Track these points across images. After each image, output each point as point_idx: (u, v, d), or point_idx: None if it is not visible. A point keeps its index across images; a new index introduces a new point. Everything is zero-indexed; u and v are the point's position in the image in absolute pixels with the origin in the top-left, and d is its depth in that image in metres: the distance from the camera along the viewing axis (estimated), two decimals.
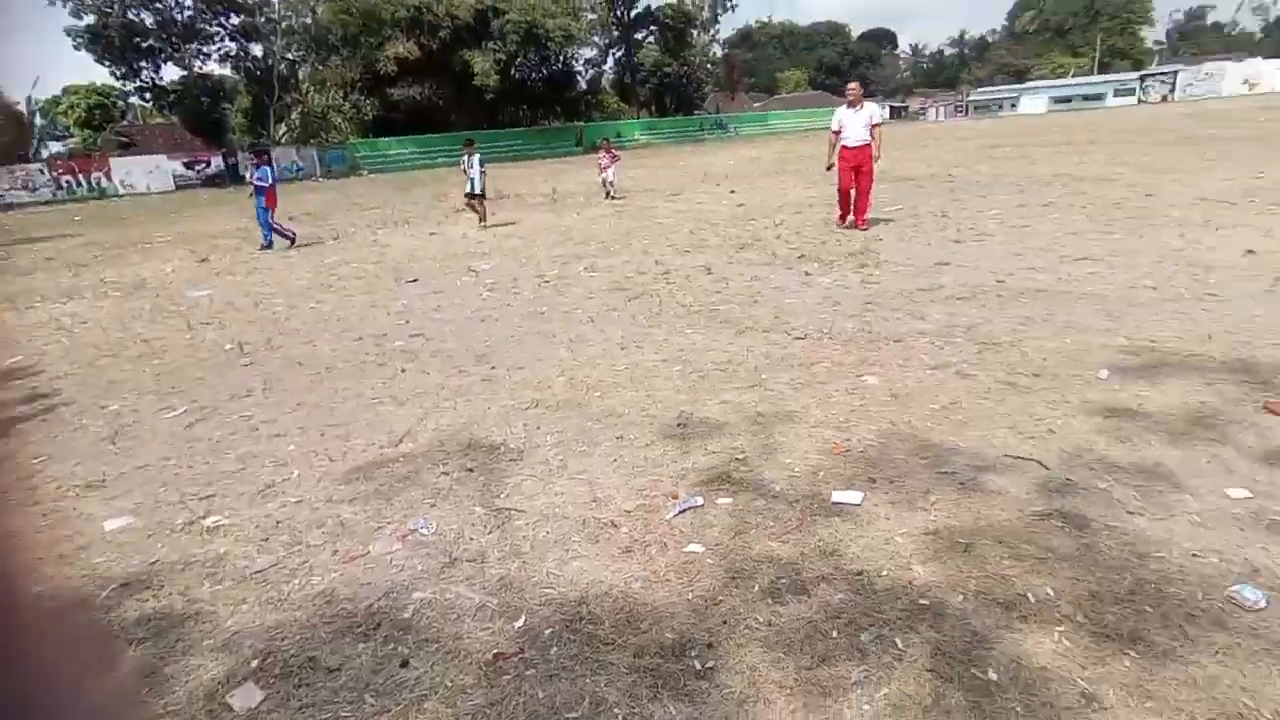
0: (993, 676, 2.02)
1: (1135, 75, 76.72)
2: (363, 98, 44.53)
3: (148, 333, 7.16)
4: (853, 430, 3.72)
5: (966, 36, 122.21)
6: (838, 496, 3.07)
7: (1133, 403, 3.80)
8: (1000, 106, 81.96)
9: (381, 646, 2.31)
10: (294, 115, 43.75)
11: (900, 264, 7.51)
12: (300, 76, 46.16)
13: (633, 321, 6.12)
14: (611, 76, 69.12)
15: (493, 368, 5.21)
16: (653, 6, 64.53)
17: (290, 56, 45.12)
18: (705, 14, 74.38)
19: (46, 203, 33.51)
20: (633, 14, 63.68)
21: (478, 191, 13.11)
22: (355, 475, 3.61)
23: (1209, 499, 2.88)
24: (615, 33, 63.80)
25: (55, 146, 47.20)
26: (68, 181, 35.08)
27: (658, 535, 2.88)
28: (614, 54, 66.41)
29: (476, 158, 12.96)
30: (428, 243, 12.09)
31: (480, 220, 13.28)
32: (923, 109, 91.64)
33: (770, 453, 3.54)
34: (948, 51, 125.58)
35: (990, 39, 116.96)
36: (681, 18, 66.07)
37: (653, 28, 65.18)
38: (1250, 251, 6.80)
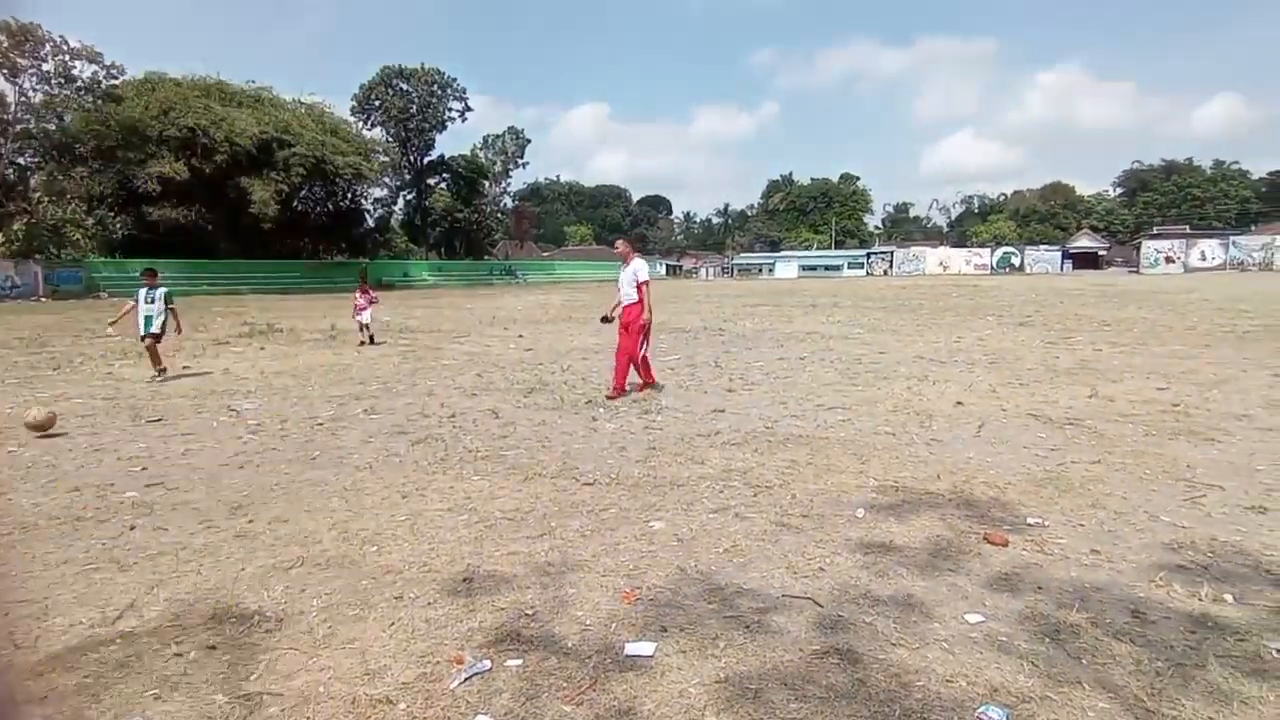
0: None
1: (863, 252, 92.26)
2: (111, 214, 40.25)
3: None
4: (643, 577, 3.71)
5: (730, 208, 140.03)
6: (630, 649, 2.99)
7: (886, 538, 4.21)
8: (760, 270, 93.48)
9: None
10: (17, 225, 38.18)
11: (681, 410, 7.95)
12: (31, 184, 40.91)
13: (416, 467, 5.79)
14: (401, 217, 69.45)
15: (250, 521, 4.59)
16: (446, 155, 66.96)
17: (21, 162, 40.06)
18: (498, 167, 78.56)
19: None
20: (426, 160, 65.50)
21: (154, 331, 10.63)
22: (51, 665, 2.89)
23: (953, 625, 3.19)
24: (407, 176, 64.89)
25: None
26: None
27: (440, 709, 2.58)
28: (405, 196, 67.22)
29: (160, 291, 10.84)
30: (180, 378, 10.77)
31: (155, 369, 10.58)
32: (695, 268, 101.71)
33: (562, 605, 3.40)
34: (715, 220, 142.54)
35: (750, 212, 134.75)
36: (474, 168, 69.12)
37: (445, 175, 67.34)
38: (959, 403, 8.09)
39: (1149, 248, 70.29)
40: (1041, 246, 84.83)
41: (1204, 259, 67.13)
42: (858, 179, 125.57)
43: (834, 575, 3.72)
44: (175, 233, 41.23)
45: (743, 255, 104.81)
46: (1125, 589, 3.52)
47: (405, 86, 62.19)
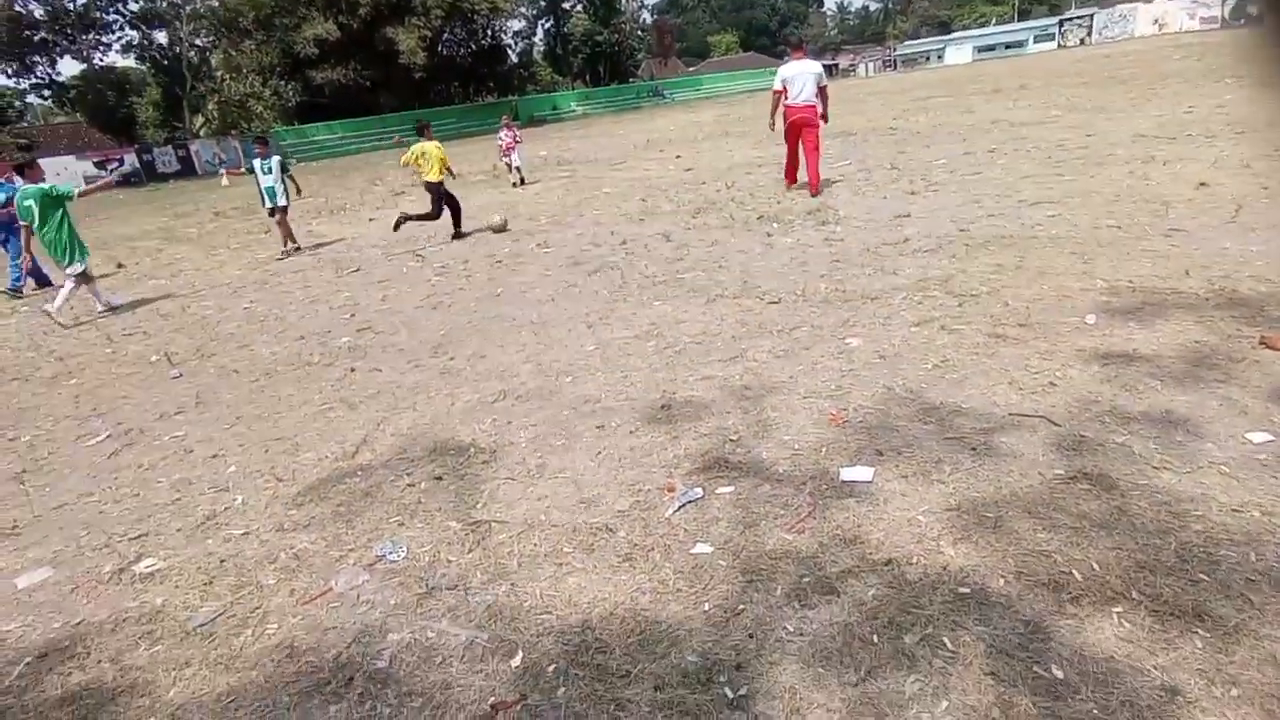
0: (1059, 674, 1.81)
1: (1054, 20, 78.14)
2: (283, 83, 42.42)
3: (62, 349, 6.53)
4: (848, 398, 3.49)
5: None
6: (847, 474, 2.83)
7: (1128, 347, 3.65)
8: (927, 59, 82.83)
9: (357, 707, 1.98)
10: (210, 106, 41.50)
11: (860, 219, 7.30)
12: (213, 64, 43.73)
13: (596, 297, 5.79)
14: (542, 48, 67.61)
15: (451, 358, 4.83)
16: None
17: (199, 43, 42.69)
18: None
19: None
20: None
21: (280, 204, 9.90)
22: (308, 496, 3.22)
23: (1231, 446, 2.72)
24: (543, 3, 62.22)
25: None
26: None
27: (659, 537, 2.60)
28: (543, 25, 64.95)
29: (275, 159, 10.00)
30: (367, 229, 11.47)
31: (286, 244, 10.07)
32: (853, 65, 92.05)
33: (765, 430, 3.28)
34: (873, 7, 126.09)
35: None
36: None
37: None
38: (1203, 184, 6.77)
39: None
40: None
41: None
42: None
43: (1068, 390, 3.28)
44: (340, 94, 42.91)
45: (906, 43, 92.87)
46: None
47: None
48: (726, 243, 7.05)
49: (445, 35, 46.10)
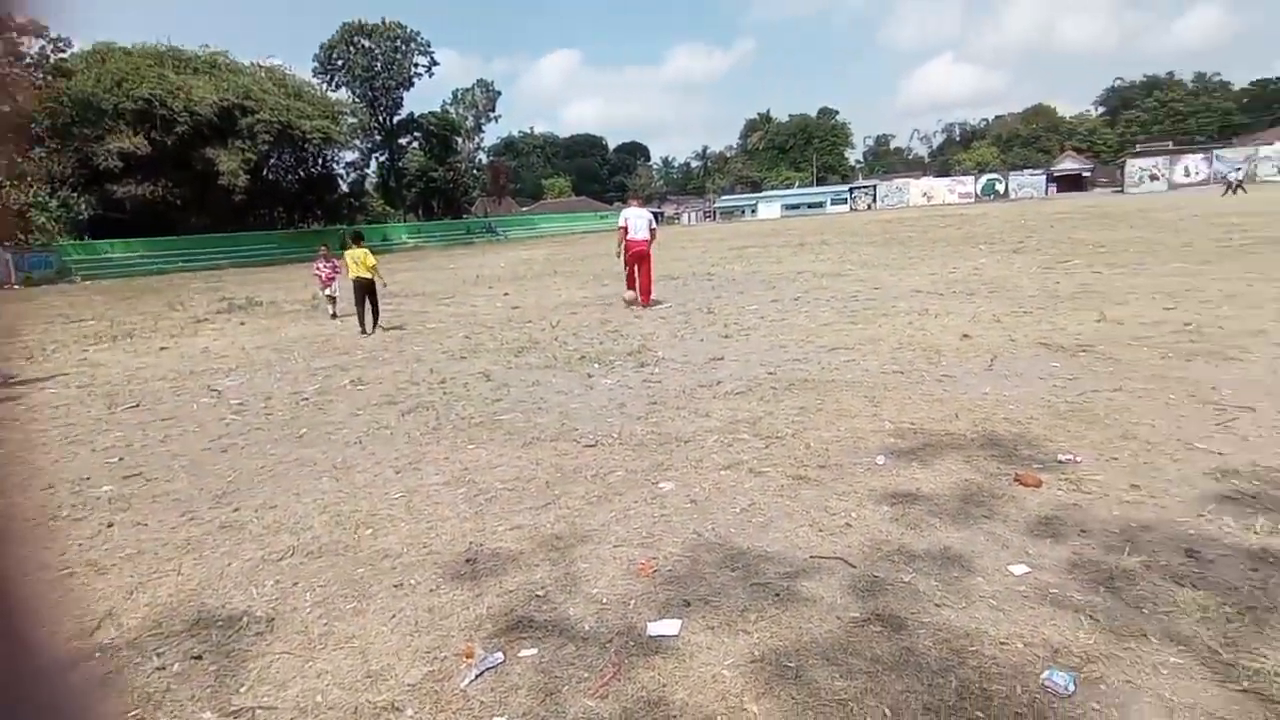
0: None
1: (846, 188, 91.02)
2: (75, 194, 38.91)
3: None
4: (658, 545, 3.47)
5: (708, 151, 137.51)
6: (654, 629, 2.76)
7: (912, 486, 3.97)
8: (742, 212, 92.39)
9: None
10: None
11: (678, 361, 7.67)
12: None
13: (408, 439, 5.50)
14: (375, 180, 67.80)
15: (236, 509, 4.31)
16: (416, 114, 65.04)
17: None
18: (469, 123, 76.46)
19: None
20: (396, 120, 63.61)
21: None
22: None
23: (997, 579, 2.97)
24: (378, 137, 63.11)
25: None
26: None
27: (452, 713, 2.34)
28: (378, 158, 65.49)
29: None
30: (158, 359, 10.38)
31: None
32: (677, 213, 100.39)
33: (574, 583, 3.15)
34: (694, 164, 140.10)
35: (729, 154, 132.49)
36: (446, 125, 67.24)
37: (416, 134, 65.55)
38: (966, 335, 7.83)
39: (1133, 166, 69.68)
40: (1025, 171, 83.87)
41: (1188, 175, 66.75)
42: (836, 113, 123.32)
43: (862, 530, 3.49)
44: (144, 210, 39.95)
45: (725, 198, 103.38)
46: (1174, 526, 3.31)
47: (367, 43, 59.90)
48: (548, 383, 7.08)
49: (272, 160, 45.07)
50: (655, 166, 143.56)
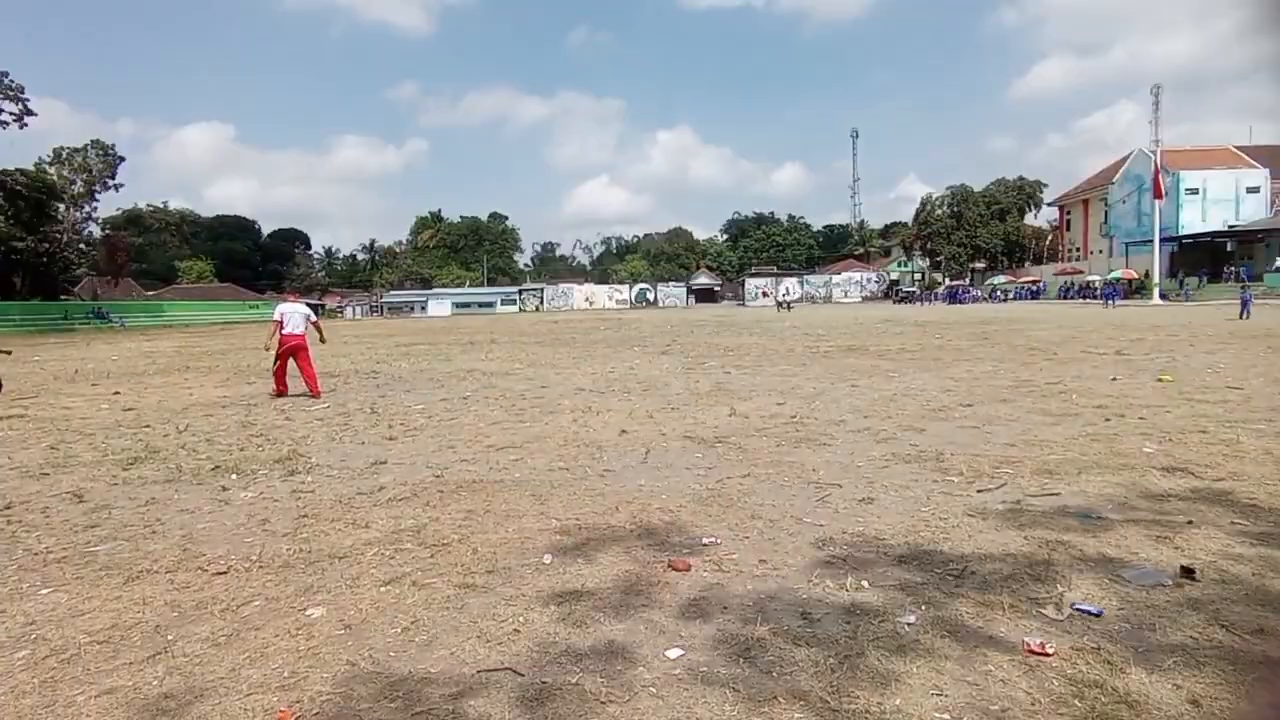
0: None
1: (515, 289, 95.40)
2: None
3: None
4: (303, 686, 2.98)
5: (377, 244, 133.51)
6: None
7: (577, 583, 4.02)
8: (412, 308, 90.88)
9: None
10: None
11: (335, 467, 7.00)
12: None
13: None
14: None
15: None
16: None
17: None
18: (78, 187, 64.57)
19: None
20: None
21: None
22: None
23: (656, 666, 3.09)
24: None
25: None
26: None
27: None
28: None
29: None
30: None
31: None
32: (340, 306, 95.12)
33: None
34: (360, 256, 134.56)
35: (398, 249, 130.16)
36: (41, 187, 55.74)
37: None
38: (624, 431, 8.43)
39: (750, 284, 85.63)
40: (670, 283, 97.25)
41: (788, 293, 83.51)
42: (506, 218, 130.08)
43: (530, 635, 3.40)
44: None
45: (393, 293, 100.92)
46: (793, 593, 3.80)
47: None
48: (167, 500, 5.90)
49: None
50: (317, 256, 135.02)
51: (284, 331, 11.97)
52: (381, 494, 5.97)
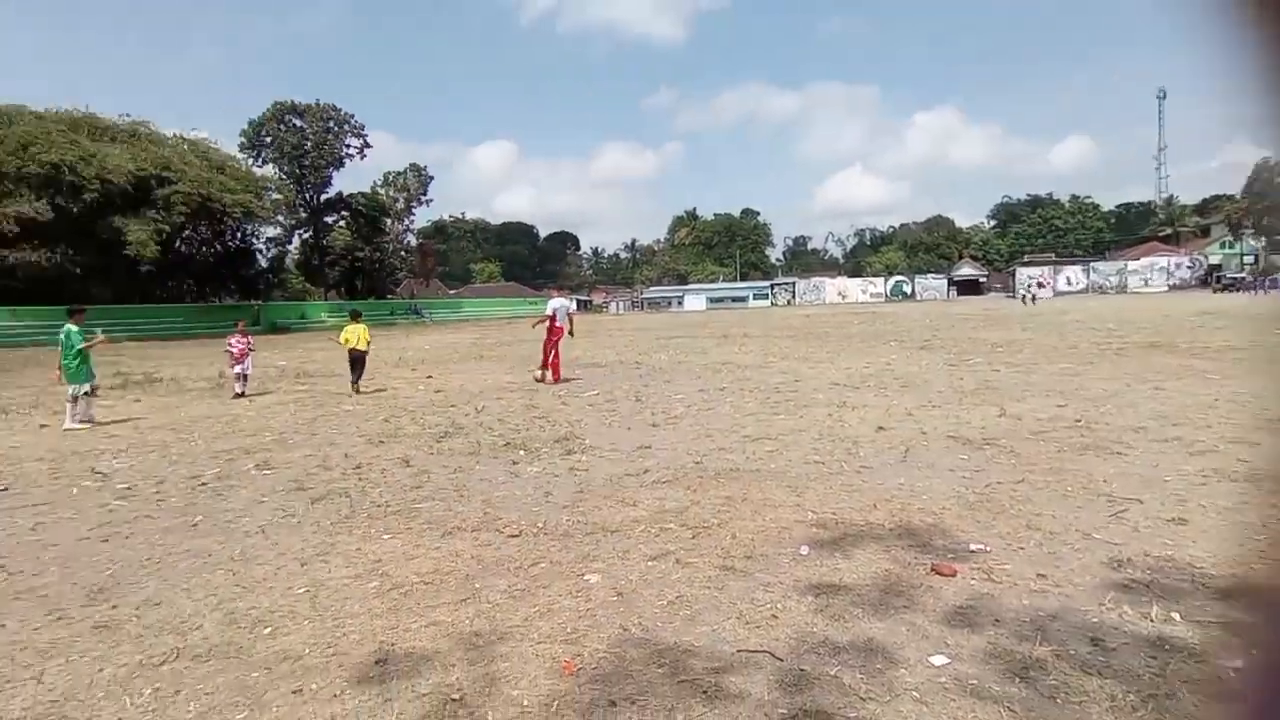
0: None
1: (767, 284, 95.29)
2: None
3: None
4: (583, 642, 3.33)
5: (637, 243, 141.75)
6: None
7: (834, 577, 3.98)
8: (669, 303, 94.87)
9: None
10: None
11: (606, 449, 7.61)
12: None
13: (316, 528, 5.18)
14: (298, 257, 66.42)
15: (114, 607, 3.91)
16: (345, 193, 64.73)
17: None
18: (400, 205, 76.68)
19: None
20: (323, 198, 63.07)
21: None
22: None
23: (920, 670, 2.97)
24: (303, 214, 62.25)
25: None
26: None
27: None
28: (301, 235, 64.36)
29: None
30: (36, 438, 9.58)
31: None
32: (605, 302, 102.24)
33: (493, 684, 2.97)
34: (623, 255, 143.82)
35: (656, 247, 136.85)
36: (375, 206, 67.16)
37: (344, 212, 65.06)
38: (881, 428, 8.10)
39: (1022, 274, 76.08)
40: (929, 275, 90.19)
41: (1069, 284, 73.33)
42: (758, 214, 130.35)
43: (788, 623, 3.45)
44: (37, 277, 37.73)
45: (652, 289, 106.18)
46: (1080, 615, 3.41)
47: (299, 123, 59.80)
48: (470, 470, 6.88)
49: (186, 232, 43.70)
50: (585, 256, 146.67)
51: (558, 323, 13.72)
52: (647, 476, 6.39)
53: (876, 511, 5.12)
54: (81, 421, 10.17)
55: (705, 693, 2.86)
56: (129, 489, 6.54)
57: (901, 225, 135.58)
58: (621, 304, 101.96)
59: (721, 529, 4.87)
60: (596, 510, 5.40)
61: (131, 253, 39.20)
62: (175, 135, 47.07)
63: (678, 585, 3.94)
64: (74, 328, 10.48)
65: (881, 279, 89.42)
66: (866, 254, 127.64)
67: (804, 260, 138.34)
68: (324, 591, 4.02)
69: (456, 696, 2.88)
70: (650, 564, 4.27)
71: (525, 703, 2.83)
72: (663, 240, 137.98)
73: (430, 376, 15.74)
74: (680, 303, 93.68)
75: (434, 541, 4.82)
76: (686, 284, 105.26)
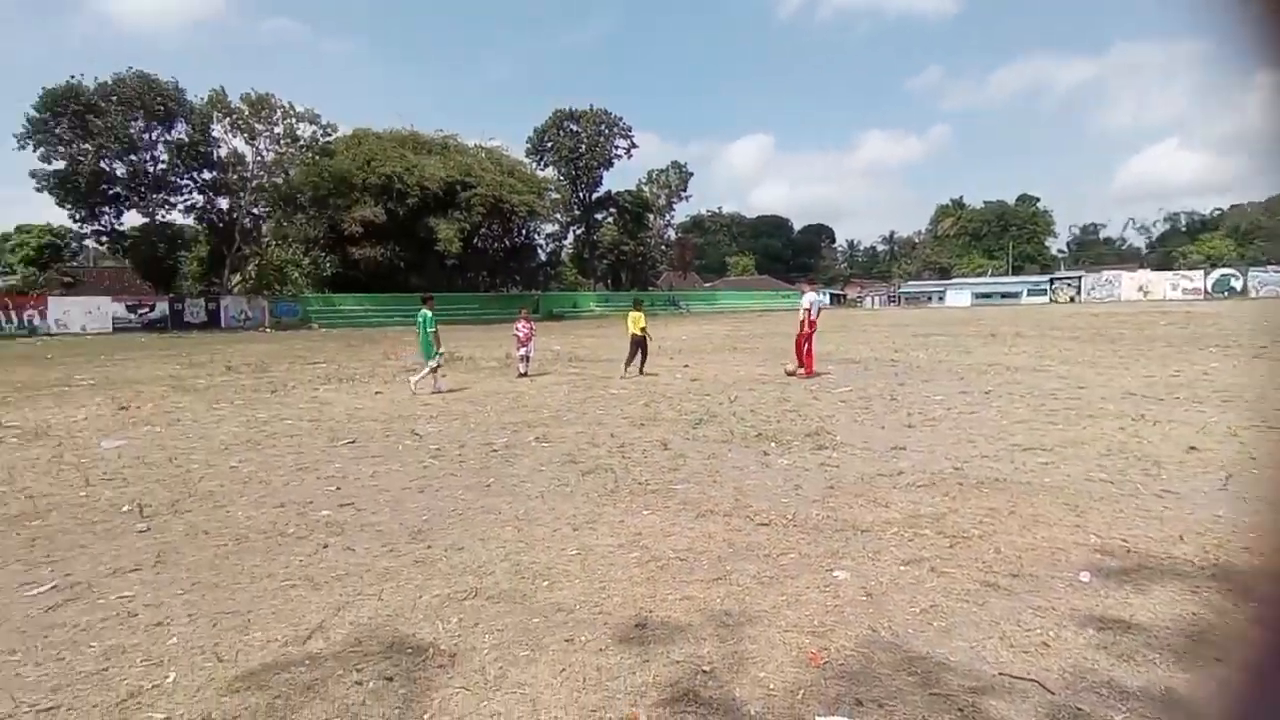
0: None
1: (1045, 278, 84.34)
2: (323, 254, 45.50)
3: (37, 486, 6.42)
4: (830, 636, 3.33)
5: (895, 235, 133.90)
6: None
7: (1123, 612, 3.52)
8: (930, 298, 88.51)
9: None
10: (250, 267, 44.29)
11: (857, 446, 7.40)
12: (263, 230, 47.16)
13: (586, 498, 5.73)
14: (571, 251, 72.77)
15: (429, 547, 4.69)
16: (613, 191, 69.48)
17: (255, 211, 46.27)
18: (661, 201, 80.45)
19: None
20: (594, 196, 68.33)
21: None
22: (246, 683, 3.00)
23: None
24: (577, 211, 67.98)
25: None
26: None
27: None
28: (574, 230, 70.34)
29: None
30: (371, 402, 11.66)
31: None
32: (860, 296, 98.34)
33: (741, 663, 3.10)
34: (880, 247, 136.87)
35: (916, 239, 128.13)
36: (639, 203, 71.24)
37: (612, 210, 69.86)
38: (1193, 448, 6.90)
39: None
40: (1269, 267, 72.78)
41: None
42: (1037, 200, 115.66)
43: (1062, 654, 3.13)
44: (374, 270, 45.89)
45: (910, 283, 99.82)
46: None
47: (575, 128, 65.42)
48: (723, 457, 7.10)
49: (482, 229, 49.89)
50: (839, 249, 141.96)
51: (813, 317, 13.80)
52: (900, 478, 6.12)
53: (1183, 545, 4.41)
54: (432, 391, 12.30)
55: (961, 711, 2.72)
56: (438, 450, 7.74)
57: (1232, 207, 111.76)
58: (877, 298, 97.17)
59: (983, 541, 4.53)
60: (846, 508, 5.30)
61: (441, 248, 45.91)
62: (476, 145, 53.95)
63: (932, 594, 3.76)
64: (429, 313, 12.66)
65: (1200, 272, 74.42)
66: (1180, 242, 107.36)
67: (1093, 251, 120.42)
68: (591, 555, 4.44)
69: (707, 669, 3.04)
70: (902, 568, 4.12)
71: (771, 686, 2.91)
72: (924, 231, 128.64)
73: (686, 365, 16.40)
74: (941, 298, 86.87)
75: (689, 522, 5.08)
76: (949, 278, 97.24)
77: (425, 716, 2.74)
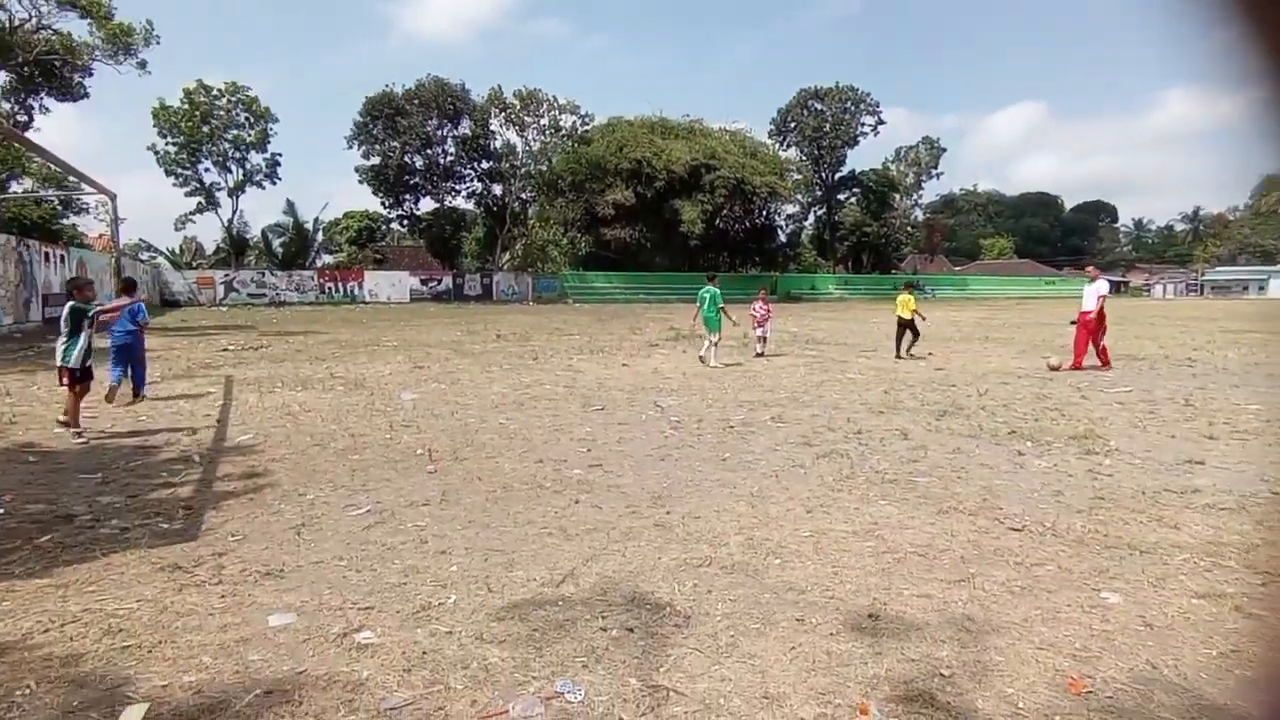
0: None
1: None
2: (579, 235, 49.25)
3: (356, 427, 7.75)
4: (1096, 664, 2.98)
5: (1201, 213, 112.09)
6: None
7: None
8: (1245, 288, 73.88)
9: None
10: (518, 245, 49.26)
11: (1137, 456, 6.45)
12: (529, 214, 52.07)
13: (820, 482, 5.65)
14: (811, 232, 70.96)
15: (668, 512, 4.95)
16: (856, 170, 66.38)
17: (524, 197, 51.14)
18: (909, 180, 75.40)
19: (311, 303, 39.67)
20: (837, 176, 65.79)
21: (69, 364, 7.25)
22: (510, 613, 3.41)
23: None
24: (818, 192, 66.00)
25: (326, 258, 56.28)
26: (329, 287, 41.89)
27: None
28: (815, 212, 68.45)
29: (65, 310, 7.38)
30: (619, 373, 12.43)
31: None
32: (1147, 285, 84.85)
33: (984, 674, 2.90)
34: (1179, 227, 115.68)
35: (1230, 216, 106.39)
36: (885, 182, 67.38)
37: (855, 190, 66.84)
38: None
39: None
40: None
41: None
42: None
43: None
44: (623, 249, 48.73)
45: (1219, 269, 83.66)
46: None
47: (820, 106, 63.16)
48: (970, 453, 6.59)
49: (724, 211, 50.46)
50: (1123, 229, 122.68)
51: (1084, 309, 12.62)
52: (1196, 497, 5.24)
53: None
54: (711, 364, 12.96)
55: None
56: (678, 422, 8.07)
57: None
58: (1171, 286, 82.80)
59: None
60: (1121, 523, 4.67)
61: (684, 229, 47.37)
62: (720, 128, 54.46)
63: (1234, 636, 3.20)
64: (715, 289, 13.47)
65: None
66: None
67: None
68: (825, 539, 4.39)
69: (945, 673, 2.89)
70: (1195, 602, 3.55)
71: (1020, 704, 2.69)
72: (1240, 208, 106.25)
73: (930, 354, 15.36)
74: (1261, 287, 71.79)
75: (929, 517, 4.81)
76: (1274, 263, 79.60)
77: (661, 669, 2.92)
